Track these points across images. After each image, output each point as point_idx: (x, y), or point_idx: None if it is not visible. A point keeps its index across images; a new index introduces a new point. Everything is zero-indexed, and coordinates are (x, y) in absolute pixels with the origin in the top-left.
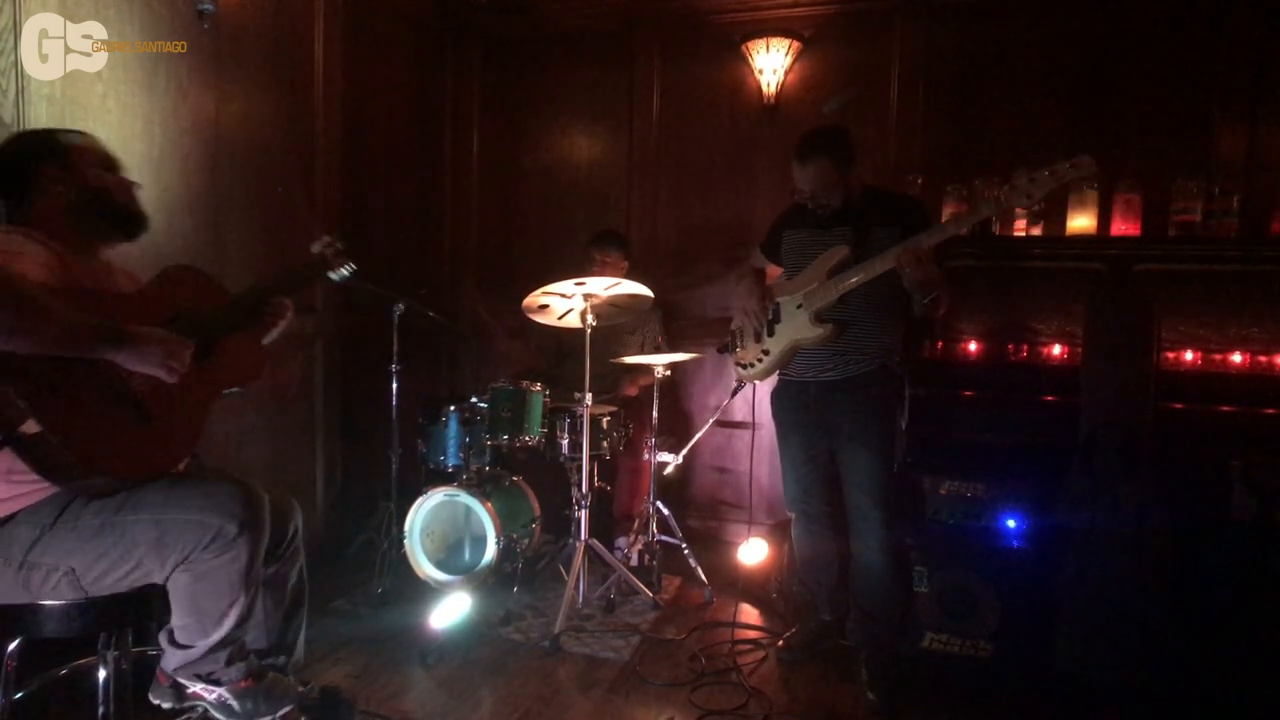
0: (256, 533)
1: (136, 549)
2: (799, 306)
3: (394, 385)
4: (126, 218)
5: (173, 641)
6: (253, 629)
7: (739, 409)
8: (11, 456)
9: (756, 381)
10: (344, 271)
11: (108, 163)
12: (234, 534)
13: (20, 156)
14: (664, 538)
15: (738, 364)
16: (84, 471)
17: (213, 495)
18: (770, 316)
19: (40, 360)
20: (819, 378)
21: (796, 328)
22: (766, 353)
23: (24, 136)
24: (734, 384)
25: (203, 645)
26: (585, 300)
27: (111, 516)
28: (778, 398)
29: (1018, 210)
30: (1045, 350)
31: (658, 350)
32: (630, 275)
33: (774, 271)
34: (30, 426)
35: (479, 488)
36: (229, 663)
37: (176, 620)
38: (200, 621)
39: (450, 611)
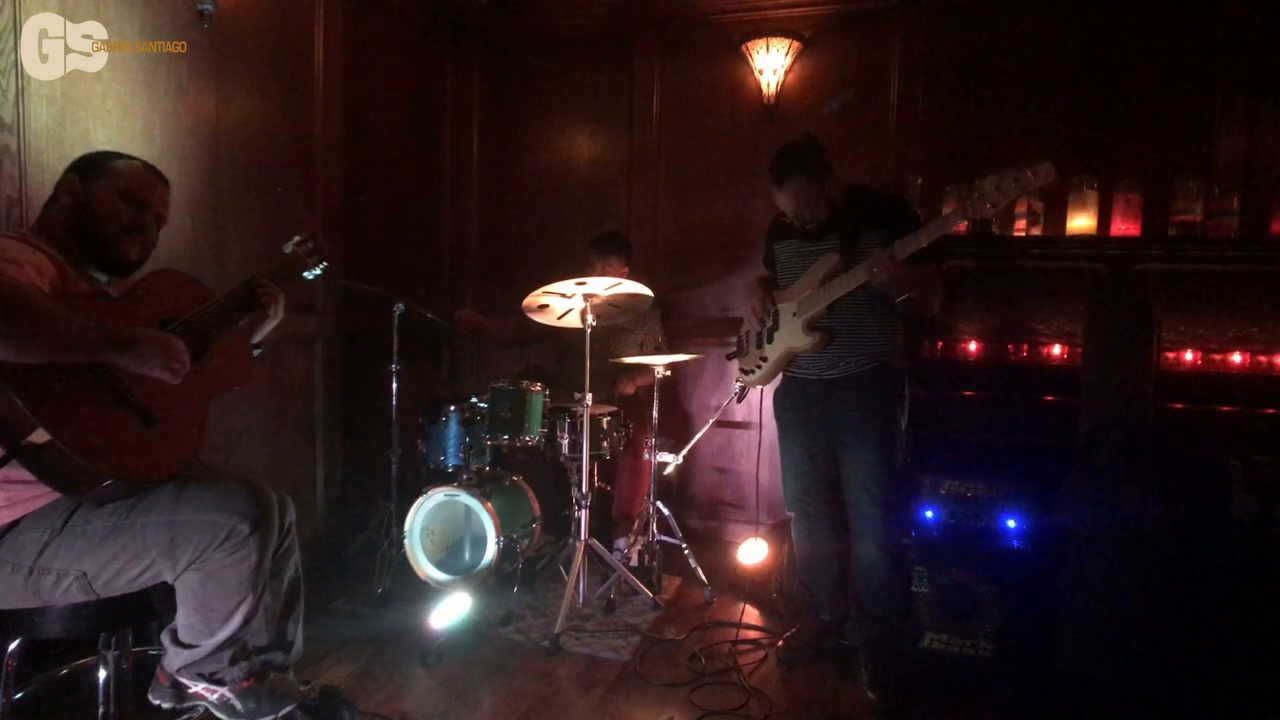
0: (267, 531)
1: (149, 551)
2: (794, 314)
3: (394, 385)
4: (105, 251)
5: (176, 641)
6: (254, 627)
7: (739, 409)
8: (9, 463)
9: (759, 386)
10: (317, 271)
11: (134, 197)
12: (247, 533)
13: (67, 167)
14: (664, 538)
15: (741, 370)
16: (96, 479)
17: (225, 495)
18: (770, 323)
19: (39, 367)
20: (822, 376)
21: (790, 335)
22: (765, 359)
23: (86, 154)
24: (736, 387)
25: (208, 645)
26: (585, 300)
27: (123, 519)
28: (780, 395)
29: (1016, 209)
30: (1045, 350)
31: (657, 350)
32: (630, 277)
33: None
34: (39, 436)
35: (479, 488)
36: (232, 662)
37: (182, 619)
38: (207, 620)
39: (450, 611)
